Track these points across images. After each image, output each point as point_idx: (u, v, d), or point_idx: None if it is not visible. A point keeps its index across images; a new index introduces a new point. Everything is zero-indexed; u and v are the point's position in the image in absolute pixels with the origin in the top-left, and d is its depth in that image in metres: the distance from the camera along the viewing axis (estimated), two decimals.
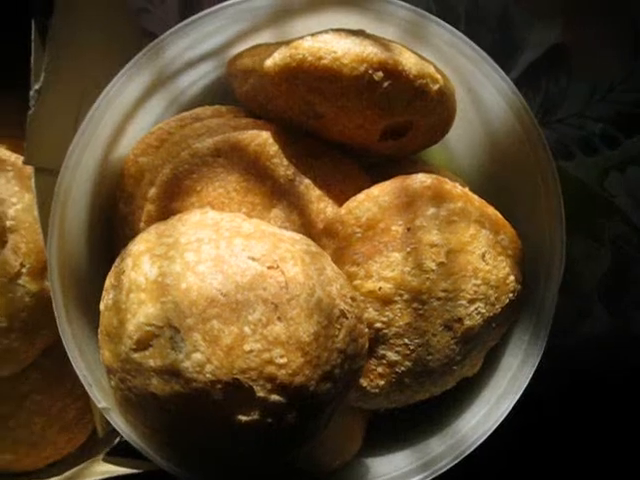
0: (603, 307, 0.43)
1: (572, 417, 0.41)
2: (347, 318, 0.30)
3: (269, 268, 0.29)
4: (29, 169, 0.35)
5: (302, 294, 0.28)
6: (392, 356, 0.33)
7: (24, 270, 0.34)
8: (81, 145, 0.31)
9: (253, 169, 0.33)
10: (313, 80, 0.32)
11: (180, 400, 0.29)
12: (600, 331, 0.42)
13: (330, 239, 0.32)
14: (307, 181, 0.34)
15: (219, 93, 0.38)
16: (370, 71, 0.31)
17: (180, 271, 0.29)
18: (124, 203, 0.36)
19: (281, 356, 0.28)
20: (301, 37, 0.32)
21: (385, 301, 0.32)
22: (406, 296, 0.32)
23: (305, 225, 0.33)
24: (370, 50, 0.31)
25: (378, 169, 0.37)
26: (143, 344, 0.29)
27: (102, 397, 0.32)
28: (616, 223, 0.43)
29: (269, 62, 0.32)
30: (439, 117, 0.34)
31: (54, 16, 0.31)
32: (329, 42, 0.31)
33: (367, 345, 0.31)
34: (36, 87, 0.31)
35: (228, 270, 0.29)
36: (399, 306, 0.32)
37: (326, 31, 0.32)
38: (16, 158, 0.35)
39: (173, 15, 0.40)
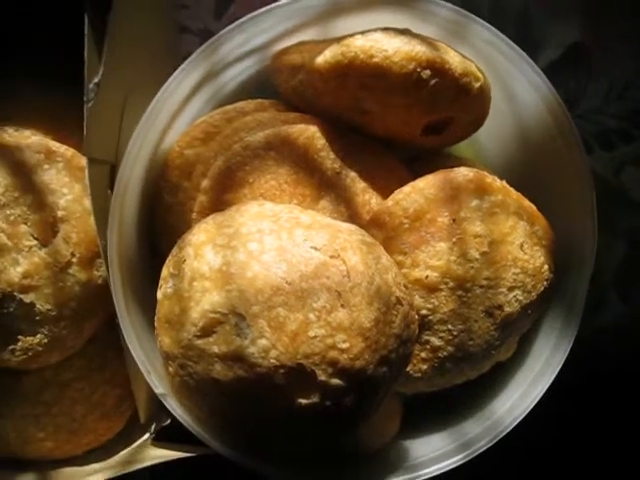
0: (618, 297, 0.46)
1: (588, 403, 0.44)
2: (402, 305, 0.32)
3: (331, 257, 0.30)
4: (77, 160, 0.37)
5: (363, 282, 0.30)
6: (436, 341, 0.35)
7: (74, 260, 0.35)
8: (141, 138, 0.33)
9: (302, 162, 0.35)
10: (363, 77, 0.34)
11: (242, 384, 0.31)
12: (616, 320, 0.45)
13: (378, 229, 0.34)
14: (352, 174, 0.36)
15: (255, 87, 0.40)
16: (418, 69, 0.33)
17: (245, 260, 0.30)
18: (168, 193, 0.37)
19: (344, 341, 0.30)
20: (351, 35, 0.34)
21: (431, 289, 0.34)
22: (451, 284, 0.34)
23: (352, 216, 0.35)
24: (419, 49, 0.33)
25: (413, 162, 0.39)
26: (207, 331, 0.31)
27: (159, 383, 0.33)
28: (631, 215, 0.46)
29: (320, 59, 0.34)
30: (477, 113, 0.37)
31: (113, 11, 0.32)
32: (379, 41, 0.33)
33: (417, 330, 0.33)
34: (95, 80, 0.32)
35: (292, 259, 0.30)
36: (444, 294, 0.34)
37: (375, 30, 0.34)
38: (65, 149, 0.36)
39: (209, 11, 0.42)
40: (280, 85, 0.37)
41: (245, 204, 0.33)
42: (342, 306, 0.30)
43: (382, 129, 0.36)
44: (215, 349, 0.31)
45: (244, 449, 0.33)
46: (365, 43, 0.33)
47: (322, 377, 0.30)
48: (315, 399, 0.31)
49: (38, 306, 0.35)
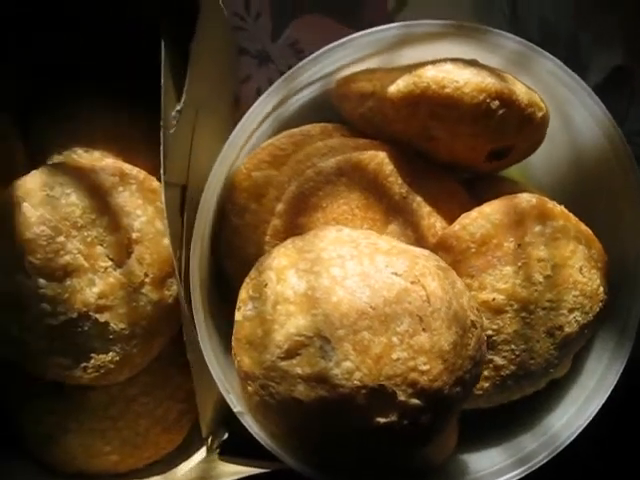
0: None
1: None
2: (476, 328, 0.34)
3: (412, 283, 0.32)
4: (148, 182, 0.38)
5: (442, 307, 0.32)
6: (499, 360, 0.37)
7: (147, 280, 0.37)
8: (223, 163, 0.34)
9: (372, 187, 0.37)
10: (434, 106, 0.35)
11: (323, 404, 0.32)
12: None
13: (445, 253, 0.36)
14: (418, 198, 0.37)
15: (314, 109, 0.41)
16: (488, 100, 0.35)
17: (329, 285, 0.32)
18: (235, 215, 0.39)
19: (424, 363, 0.32)
20: (421, 65, 0.36)
21: (497, 311, 0.36)
22: (516, 306, 0.36)
23: (418, 239, 0.37)
24: (489, 81, 0.35)
25: (466, 183, 0.41)
26: (291, 353, 0.32)
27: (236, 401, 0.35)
28: None
29: (393, 88, 0.35)
30: (536, 139, 0.39)
31: (195, 41, 0.34)
32: (451, 72, 0.35)
33: (486, 351, 0.35)
34: (178, 108, 0.34)
35: (375, 285, 0.32)
36: (509, 315, 0.36)
37: (445, 61, 0.36)
38: (137, 171, 0.37)
39: (266, 33, 0.43)
40: (346, 110, 0.39)
41: (323, 229, 0.34)
42: (423, 330, 0.32)
43: (447, 154, 0.37)
44: (299, 370, 0.32)
45: (318, 465, 0.35)
46: (437, 74, 0.35)
47: (402, 397, 0.32)
48: (393, 418, 0.32)
49: (112, 325, 0.36)
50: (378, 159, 0.37)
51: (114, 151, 0.39)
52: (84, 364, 0.37)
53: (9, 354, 0.37)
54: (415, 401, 0.32)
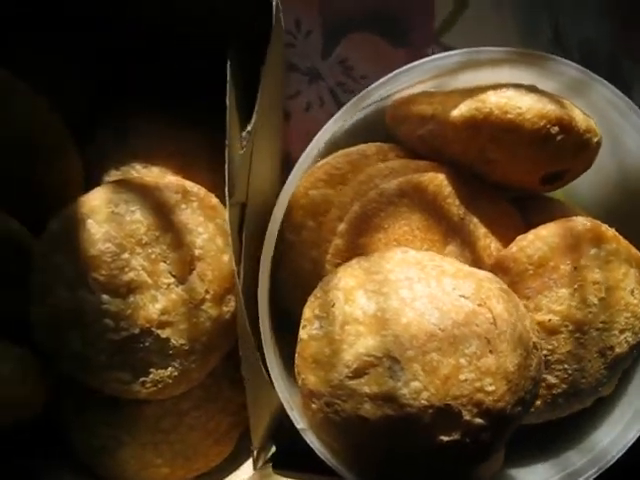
0: None
1: None
2: (537, 349, 0.35)
3: (479, 305, 0.33)
4: (209, 199, 0.39)
5: (507, 329, 0.33)
6: (551, 379, 0.38)
7: (208, 296, 0.38)
8: (292, 184, 0.35)
9: (431, 208, 0.38)
10: (495, 131, 0.36)
11: (389, 423, 0.33)
12: None
13: (502, 274, 0.37)
14: (475, 219, 0.39)
15: (365, 127, 0.42)
16: (548, 126, 0.36)
17: (398, 307, 0.33)
18: (291, 232, 0.40)
19: (490, 384, 0.33)
20: (482, 90, 0.37)
21: (552, 331, 0.37)
22: (571, 327, 0.37)
23: (475, 261, 0.38)
24: (550, 107, 0.36)
25: (515, 203, 0.42)
26: (360, 372, 0.33)
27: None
28: None
29: (456, 113, 0.36)
30: (587, 163, 0.40)
31: (267, 64, 0.35)
32: (513, 98, 0.36)
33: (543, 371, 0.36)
34: (248, 129, 0.34)
35: (443, 307, 0.33)
36: (563, 336, 0.37)
37: (507, 86, 0.37)
38: (198, 189, 0.38)
39: (316, 50, 0.44)
40: (403, 131, 0.40)
41: (388, 251, 0.35)
42: (490, 352, 0.33)
43: (502, 176, 0.39)
44: (366, 389, 0.33)
45: None
46: (499, 100, 0.36)
47: (467, 417, 0.33)
48: (456, 436, 0.34)
49: (172, 341, 0.37)
50: (437, 181, 0.38)
51: (172, 168, 0.40)
52: (143, 379, 0.38)
53: (69, 368, 0.38)
54: (479, 420, 0.33)
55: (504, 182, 0.39)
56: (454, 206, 0.38)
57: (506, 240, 0.38)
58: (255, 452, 0.42)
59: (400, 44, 0.46)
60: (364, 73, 0.46)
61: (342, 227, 0.37)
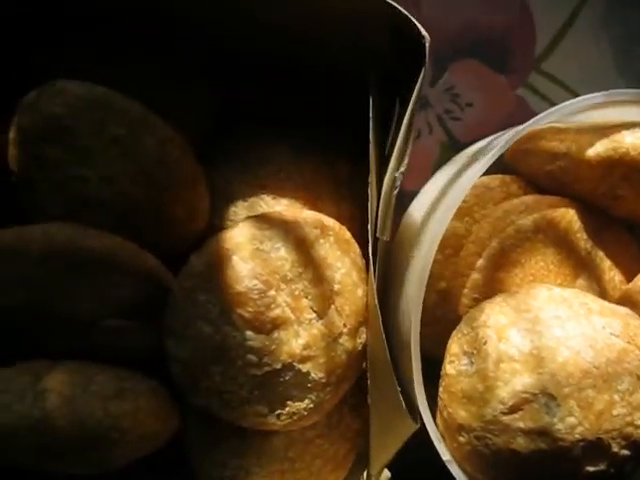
0: None
1: None
2: None
3: (627, 343, 0.36)
4: (342, 233, 0.40)
5: None
6: None
7: (345, 330, 0.39)
8: (445, 222, 0.36)
9: (563, 243, 0.40)
10: (628, 170, 0.38)
11: (540, 455, 0.35)
12: None
13: (630, 307, 0.39)
14: (600, 252, 0.41)
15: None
16: None
17: (554, 346, 0.35)
18: None
19: (639, 418, 0.35)
20: (616, 129, 0.39)
21: None
22: None
23: (602, 294, 0.40)
24: None
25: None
26: (515, 408, 0.35)
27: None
28: None
29: (591, 152, 0.38)
30: None
31: (413, 102, 0.36)
32: None
33: None
34: (402, 170, 0.36)
35: (596, 345, 0.35)
36: None
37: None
38: (333, 222, 0.39)
39: (426, 78, 0.45)
40: (528, 165, 0.41)
41: (533, 287, 0.37)
42: None
43: (627, 211, 0.41)
44: (521, 425, 0.35)
45: None
46: (635, 141, 0.38)
47: (615, 449, 0.35)
48: (602, 467, 0.36)
49: (312, 375, 0.38)
50: (569, 216, 0.39)
51: (301, 200, 0.41)
52: (279, 411, 0.39)
53: (205, 402, 0.38)
54: (625, 452, 0.35)
55: (628, 216, 0.41)
56: (582, 240, 0.40)
57: (629, 272, 0.40)
58: (371, 478, 0.44)
59: (502, 71, 0.48)
60: (470, 100, 0.48)
61: (481, 262, 0.38)
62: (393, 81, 0.39)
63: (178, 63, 0.41)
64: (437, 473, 0.43)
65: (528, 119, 0.38)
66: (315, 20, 0.38)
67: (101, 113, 0.37)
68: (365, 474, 0.45)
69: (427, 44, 0.35)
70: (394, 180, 0.36)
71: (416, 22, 0.35)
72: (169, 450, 0.41)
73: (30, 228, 0.37)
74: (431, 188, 0.42)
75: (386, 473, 0.43)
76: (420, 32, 0.35)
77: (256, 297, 0.37)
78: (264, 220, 0.38)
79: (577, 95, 0.38)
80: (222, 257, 0.37)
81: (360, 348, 0.40)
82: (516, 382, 0.35)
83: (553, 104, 0.45)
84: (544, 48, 0.49)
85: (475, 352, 0.36)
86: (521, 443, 0.35)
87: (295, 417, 0.39)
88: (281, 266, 0.37)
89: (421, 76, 0.35)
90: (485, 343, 0.36)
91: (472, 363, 0.36)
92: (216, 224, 0.41)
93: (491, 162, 0.36)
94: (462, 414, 0.36)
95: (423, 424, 0.37)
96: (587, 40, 0.48)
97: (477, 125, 0.48)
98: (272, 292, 0.37)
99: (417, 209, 0.41)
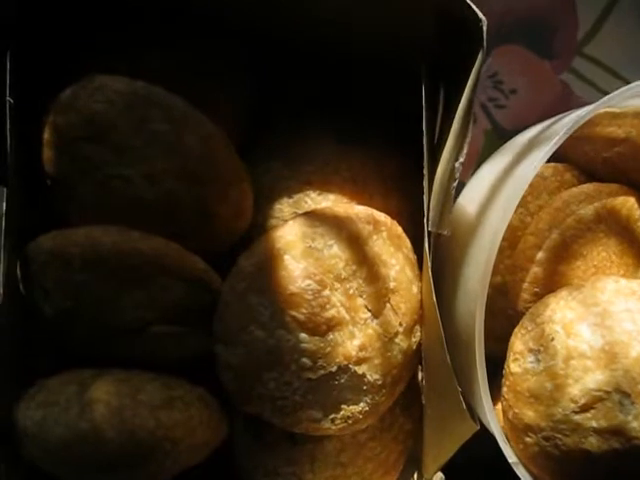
0: None
1: None
2: None
3: None
4: (395, 228, 0.38)
5: None
6: None
7: (401, 329, 0.37)
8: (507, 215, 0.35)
9: (625, 232, 0.38)
10: None
11: (613, 456, 0.34)
12: None
13: None
14: None
15: None
16: None
17: (626, 340, 0.33)
18: None
19: None
20: None
21: None
22: None
23: None
24: None
25: None
26: (587, 407, 0.34)
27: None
28: None
29: None
30: None
31: (470, 87, 0.34)
32: None
33: None
34: (461, 160, 0.34)
35: None
36: None
37: None
38: (385, 217, 0.37)
39: None
40: (582, 152, 0.40)
41: (599, 280, 0.36)
42: None
43: None
44: (593, 424, 0.34)
45: None
46: None
47: None
48: None
49: (368, 376, 0.37)
50: (629, 204, 0.38)
51: (348, 195, 0.39)
52: (333, 415, 0.37)
53: (258, 409, 0.37)
54: None
55: None
56: None
57: None
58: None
59: (545, 56, 0.46)
60: (513, 87, 0.46)
61: (541, 255, 0.37)
62: (437, 68, 0.37)
63: (217, 55, 0.40)
64: (489, 471, 0.42)
65: (573, 105, 0.36)
66: (361, 9, 0.36)
67: (142, 109, 0.35)
68: (416, 476, 0.44)
69: (484, 26, 0.33)
70: (453, 170, 0.34)
71: (472, 4, 0.33)
72: (215, 460, 0.40)
73: (71, 232, 0.35)
74: (482, 179, 0.40)
75: (439, 475, 0.42)
76: (476, 14, 0.33)
77: (310, 298, 0.35)
78: (315, 217, 0.37)
79: (622, 79, 0.37)
80: (273, 257, 0.36)
81: (415, 347, 0.39)
82: (588, 379, 0.33)
83: (598, 89, 0.44)
84: (586, 31, 0.47)
85: (542, 349, 0.35)
86: (593, 443, 0.34)
87: (350, 421, 0.38)
88: (335, 264, 0.36)
89: (479, 59, 0.33)
90: (553, 339, 0.34)
91: (539, 361, 0.35)
92: (260, 223, 0.40)
93: (555, 149, 0.34)
94: (529, 414, 0.35)
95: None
96: (630, 22, 0.46)
97: (522, 112, 0.47)
98: (326, 292, 0.35)
99: (469, 201, 0.40)
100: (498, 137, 0.46)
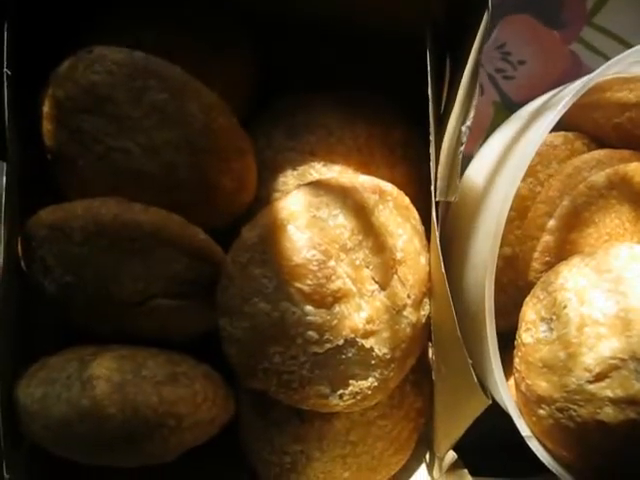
0: None
1: None
2: None
3: None
4: (401, 198, 0.37)
5: None
6: None
7: (409, 301, 0.36)
8: (514, 185, 0.34)
9: (638, 199, 0.37)
10: None
11: (630, 426, 0.33)
12: None
13: None
14: None
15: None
16: None
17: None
18: None
19: None
20: None
21: None
22: None
23: None
24: None
25: None
26: (602, 376, 0.33)
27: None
28: None
29: None
30: None
31: (476, 50, 0.33)
32: None
33: None
34: (468, 124, 0.33)
35: None
36: None
37: None
38: (391, 187, 0.36)
39: None
40: (593, 119, 0.39)
41: (612, 247, 0.34)
42: None
43: None
44: (608, 393, 0.32)
45: None
46: None
47: None
48: None
49: (376, 350, 0.36)
50: None
51: (353, 165, 0.38)
52: (341, 391, 0.37)
53: (266, 385, 0.36)
54: None
55: None
56: None
57: None
58: (435, 460, 0.41)
59: (554, 25, 0.45)
60: (522, 58, 0.45)
61: (552, 223, 0.36)
62: (443, 38, 0.36)
63: (220, 25, 0.39)
64: (503, 447, 0.40)
65: (582, 75, 0.35)
66: None
67: (141, 79, 0.34)
68: (428, 456, 0.43)
69: None
70: (459, 134, 0.33)
71: None
72: (220, 437, 0.39)
73: (71, 205, 0.35)
74: (490, 150, 0.39)
75: (452, 454, 0.41)
76: None
77: (315, 269, 0.34)
78: (319, 186, 0.36)
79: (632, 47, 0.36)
80: (277, 227, 0.35)
81: (424, 321, 0.38)
82: (602, 347, 0.32)
83: (608, 58, 0.42)
84: (595, 1, 0.46)
85: (554, 318, 0.34)
86: (609, 413, 0.33)
87: (359, 397, 0.37)
88: (340, 234, 0.35)
89: (485, 20, 0.32)
90: (565, 307, 0.33)
91: (551, 330, 0.34)
92: (263, 196, 0.39)
93: (561, 115, 0.33)
94: (542, 385, 0.34)
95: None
96: None
97: (531, 83, 0.45)
98: (332, 263, 0.34)
99: (477, 172, 0.39)
100: (506, 109, 0.45)
